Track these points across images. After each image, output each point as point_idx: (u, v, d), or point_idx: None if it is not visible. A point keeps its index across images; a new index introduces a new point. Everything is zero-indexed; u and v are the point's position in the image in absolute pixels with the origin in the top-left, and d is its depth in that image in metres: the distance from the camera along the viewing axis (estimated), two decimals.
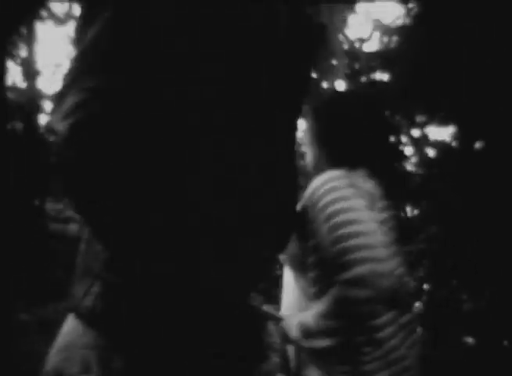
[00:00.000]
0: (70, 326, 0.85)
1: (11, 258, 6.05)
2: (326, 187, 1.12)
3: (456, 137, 6.17)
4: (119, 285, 0.74)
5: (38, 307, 5.51)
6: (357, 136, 1.24)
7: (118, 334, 0.76)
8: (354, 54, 5.44)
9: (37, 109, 10.33)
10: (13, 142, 7.49)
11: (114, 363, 0.74)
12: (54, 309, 5.80)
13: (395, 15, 6.14)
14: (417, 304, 5.92)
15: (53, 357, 0.84)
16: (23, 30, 9.13)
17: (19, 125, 8.44)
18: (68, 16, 11.96)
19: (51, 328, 3.96)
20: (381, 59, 5.51)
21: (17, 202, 6.76)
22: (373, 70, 5.63)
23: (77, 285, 0.83)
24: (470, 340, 5.22)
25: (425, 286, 5.94)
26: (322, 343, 1.13)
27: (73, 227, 11.88)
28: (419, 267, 5.86)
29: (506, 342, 4.94)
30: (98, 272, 0.76)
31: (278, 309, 1.43)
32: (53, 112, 0.78)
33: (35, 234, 7.45)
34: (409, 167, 6.42)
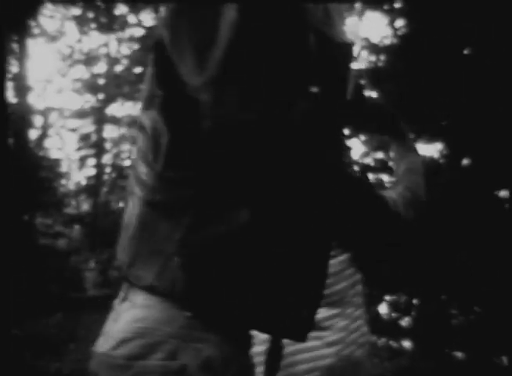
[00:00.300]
0: (142, 311, 0.81)
1: (2, 272, 6.01)
2: None
3: (443, 154, 6.27)
4: (201, 259, 0.77)
5: (29, 321, 5.49)
6: None
7: (207, 310, 0.77)
8: None
9: (28, 124, 10.33)
10: (4, 157, 7.47)
11: (204, 351, 0.75)
12: (45, 324, 5.78)
13: (383, 34, 6.25)
14: (406, 319, 5.95)
15: (125, 345, 0.78)
16: (15, 47, 9.17)
17: (9, 140, 8.44)
18: (59, 32, 12.04)
19: (41, 342, 3.92)
20: (369, 77, 5.61)
21: (7, 217, 6.73)
22: (362, 88, 5.73)
23: (143, 267, 0.83)
24: (459, 354, 5.26)
25: (414, 301, 5.98)
26: None
27: (62, 242, 11.84)
28: (409, 282, 5.90)
29: (495, 358, 4.99)
30: (171, 251, 0.79)
31: None
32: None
33: (25, 249, 7.41)
34: None
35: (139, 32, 11.85)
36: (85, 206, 12.88)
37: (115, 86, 12.02)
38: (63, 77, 12.41)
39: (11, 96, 8.84)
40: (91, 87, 12.39)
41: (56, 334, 5.48)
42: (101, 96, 12.52)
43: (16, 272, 6.63)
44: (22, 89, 9.23)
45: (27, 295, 6.63)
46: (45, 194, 9.82)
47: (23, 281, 6.90)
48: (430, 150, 6.66)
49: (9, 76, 8.67)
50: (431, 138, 5.90)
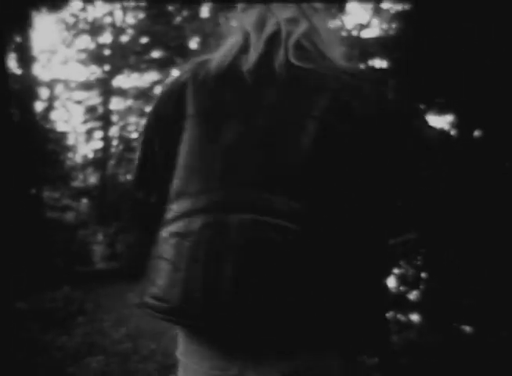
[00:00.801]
0: None
1: (8, 246, 6.02)
2: None
3: (454, 126, 6.12)
4: None
5: (36, 295, 5.50)
6: None
7: None
8: (351, 40, 5.36)
9: (33, 96, 10.22)
10: (10, 130, 7.41)
11: None
12: (52, 297, 5.80)
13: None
14: (415, 292, 5.91)
15: None
16: (19, 17, 9.00)
17: (15, 112, 8.36)
18: (63, 1, 11.80)
19: (49, 316, 3.90)
20: (380, 45, 5.43)
21: (14, 191, 6.72)
22: (372, 56, 5.56)
23: None
24: (467, 328, 5.22)
25: (422, 274, 5.92)
26: None
27: (69, 215, 11.85)
28: (416, 255, 5.84)
29: (503, 332, 4.95)
30: None
31: None
32: None
33: (33, 222, 7.42)
34: None
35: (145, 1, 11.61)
36: (93, 179, 12.89)
37: (121, 57, 11.83)
38: (67, 47, 12.25)
39: (15, 67, 8.70)
40: (96, 58, 12.22)
41: (64, 308, 5.50)
42: (107, 67, 12.36)
43: (23, 246, 6.64)
44: (26, 60, 9.09)
45: (34, 269, 6.66)
46: (52, 168, 9.79)
47: (30, 255, 6.92)
48: (440, 121, 6.52)
49: (13, 47, 8.52)
50: (442, 109, 5.77)
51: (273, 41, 0.88)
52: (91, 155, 12.72)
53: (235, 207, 0.80)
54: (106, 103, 12.45)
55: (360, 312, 0.79)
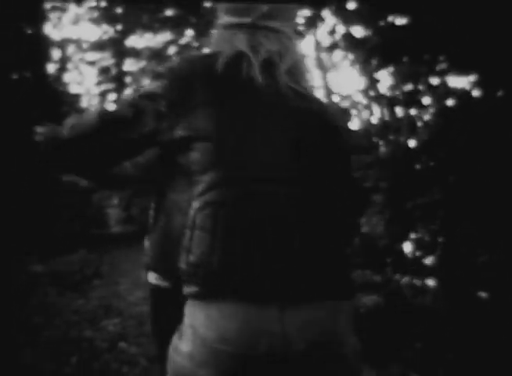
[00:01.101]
0: None
1: (24, 210, 6.06)
2: None
3: (477, 85, 5.92)
4: None
5: (51, 259, 5.57)
6: None
7: None
8: None
9: (45, 57, 10.11)
10: (22, 92, 7.36)
11: None
12: (68, 261, 5.87)
13: None
14: (431, 257, 5.86)
15: None
16: None
17: (27, 74, 8.28)
18: None
19: (65, 279, 3.91)
20: (401, 2, 5.21)
21: (29, 154, 6.72)
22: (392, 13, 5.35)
23: None
24: (483, 294, 5.18)
25: (439, 239, 5.86)
26: None
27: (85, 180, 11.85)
28: (434, 219, 5.77)
29: None
30: None
31: None
32: None
33: (48, 186, 7.43)
34: (427, 116, 6.20)
35: None
36: None
37: (134, 16, 11.57)
38: (78, 6, 11.98)
39: (24, 27, 8.55)
40: (108, 17, 11.97)
41: (80, 271, 5.56)
42: (119, 27, 12.12)
43: (39, 210, 6.69)
44: (36, 20, 8.93)
45: (50, 233, 6.72)
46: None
47: (46, 219, 6.98)
48: (462, 81, 6.32)
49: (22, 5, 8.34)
50: (464, 68, 5.59)
51: (267, 65, 1.04)
52: None
53: (266, 180, 0.96)
54: (119, 64, 12.28)
55: (345, 269, 1.03)
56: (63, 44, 11.31)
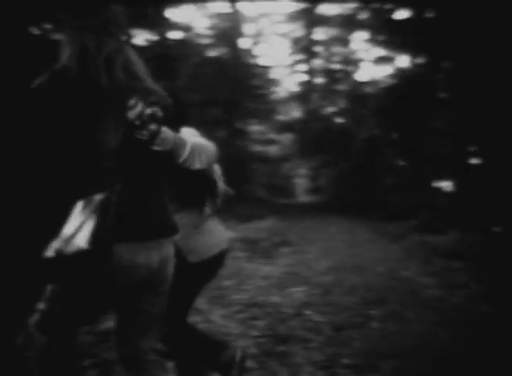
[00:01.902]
0: None
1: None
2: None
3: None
4: None
5: (242, 225, 5.71)
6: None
7: None
8: None
9: (238, 33, 10.38)
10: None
11: None
12: (255, 228, 5.96)
13: None
14: None
15: None
16: None
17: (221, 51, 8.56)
18: None
19: (253, 245, 3.78)
20: None
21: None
22: None
23: None
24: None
25: None
26: None
27: (273, 149, 12.16)
28: None
29: None
30: None
31: None
32: None
33: (238, 155, 7.70)
34: None
35: None
36: (296, 112, 12.99)
37: None
38: None
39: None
40: None
41: (268, 238, 5.66)
42: None
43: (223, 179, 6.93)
44: None
45: (241, 199, 6.93)
46: (257, 102, 10.01)
47: (238, 186, 7.21)
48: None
49: None
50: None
51: (107, 60, 1.34)
52: (294, 88, 12.74)
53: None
54: (309, 34, 12.21)
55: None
56: (256, 19, 11.59)
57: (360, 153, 10.23)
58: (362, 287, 3.69)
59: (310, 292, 3.59)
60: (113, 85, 1.34)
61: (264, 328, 2.78)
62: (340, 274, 4.20)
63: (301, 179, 10.73)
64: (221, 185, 2.04)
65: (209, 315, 3.00)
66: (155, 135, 1.35)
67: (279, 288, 3.70)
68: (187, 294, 1.97)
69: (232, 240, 4.89)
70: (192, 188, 1.91)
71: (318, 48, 12.43)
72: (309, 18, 11.95)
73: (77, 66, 1.31)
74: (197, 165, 1.53)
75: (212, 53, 10.56)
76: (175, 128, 1.62)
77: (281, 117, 11.72)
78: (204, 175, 1.86)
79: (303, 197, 10.41)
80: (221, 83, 9.53)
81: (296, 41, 12.31)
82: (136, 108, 1.38)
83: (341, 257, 4.95)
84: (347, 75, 11.86)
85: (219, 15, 10.46)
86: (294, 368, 2.24)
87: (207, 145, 1.58)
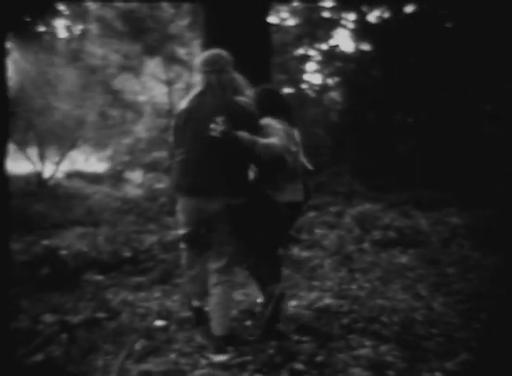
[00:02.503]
0: None
1: None
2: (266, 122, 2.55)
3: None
4: None
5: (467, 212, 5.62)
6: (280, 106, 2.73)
7: None
8: None
9: None
10: None
11: None
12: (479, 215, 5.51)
13: None
14: None
15: None
16: None
17: None
18: None
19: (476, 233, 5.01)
20: None
21: None
22: None
23: None
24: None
25: None
26: None
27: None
28: None
29: None
30: None
31: None
32: None
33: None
34: None
35: None
36: None
37: None
38: None
39: None
40: None
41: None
42: None
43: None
44: None
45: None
46: None
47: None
48: None
49: None
50: None
51: (222, 87, 2.38)
52: None
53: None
54: None
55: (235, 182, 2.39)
56: None
57: None
58: None
59: None
60: (222, 102, 2.31)
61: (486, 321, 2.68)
62: None
63: None
64: (296, 160, 2.52)
65: (430, 302, 3.03)
66: (231, 138, 2.18)
67: None
68: (277, 230, 2.57)
69: (457, 227, 4.94)
70: (266, 166, 2.44)
71: None
72: None
73: (208, 90, 2.32)
74: (266, 158, 2.30)
75: None
76: (270, 115, 2.50)
77: None
78: (276, 158, 2.36)
79: None
80: None
81: None
82: (219, 126, 2.30)
83: None
84: None
85: None
86: None
87: (273, 145, 2.29)
